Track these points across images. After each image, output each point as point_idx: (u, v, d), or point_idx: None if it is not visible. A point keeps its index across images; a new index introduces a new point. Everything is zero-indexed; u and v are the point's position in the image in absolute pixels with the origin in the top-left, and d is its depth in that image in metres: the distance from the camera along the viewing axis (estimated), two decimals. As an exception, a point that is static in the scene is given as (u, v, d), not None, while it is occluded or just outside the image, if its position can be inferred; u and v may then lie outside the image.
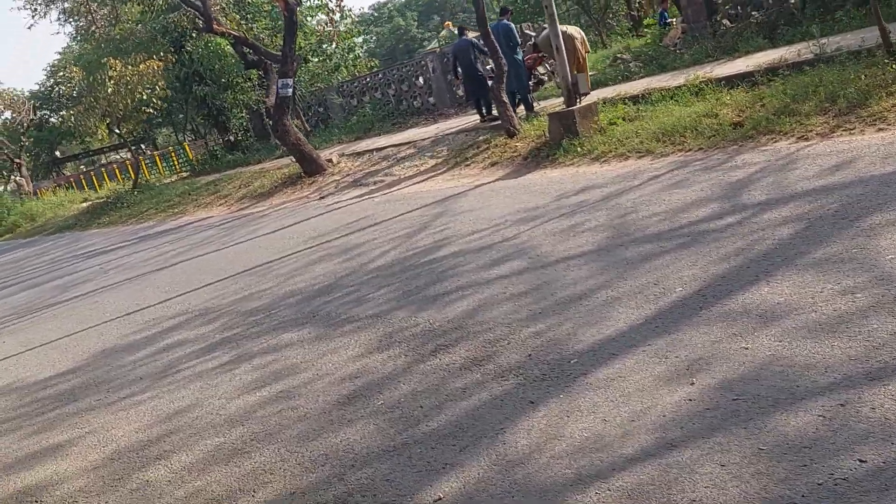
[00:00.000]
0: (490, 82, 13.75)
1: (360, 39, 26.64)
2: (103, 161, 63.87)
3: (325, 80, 23.19)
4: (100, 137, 21.74)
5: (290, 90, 15.32)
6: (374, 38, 64.40)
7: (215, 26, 15.39)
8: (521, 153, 10.47)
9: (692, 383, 3.12)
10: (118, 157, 64.82)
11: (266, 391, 4.58)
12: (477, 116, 15.46)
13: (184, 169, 31.27)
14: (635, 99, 10.72)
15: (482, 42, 12.50)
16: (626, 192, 6.92)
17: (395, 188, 11.79)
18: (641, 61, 13.51)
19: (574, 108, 9.60)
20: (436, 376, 4.03)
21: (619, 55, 15.60)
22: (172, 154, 32.81)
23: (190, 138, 62.67)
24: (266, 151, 22.58)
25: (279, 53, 15.70)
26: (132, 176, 36.39)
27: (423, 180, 11.70)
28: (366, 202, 11.28)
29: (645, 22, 18.64)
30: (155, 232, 15.60)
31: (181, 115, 52.43)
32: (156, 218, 18.39)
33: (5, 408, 5.87)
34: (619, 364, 3.50)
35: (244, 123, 24.96)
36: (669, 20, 15.91)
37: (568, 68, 9.74)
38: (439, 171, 11.88)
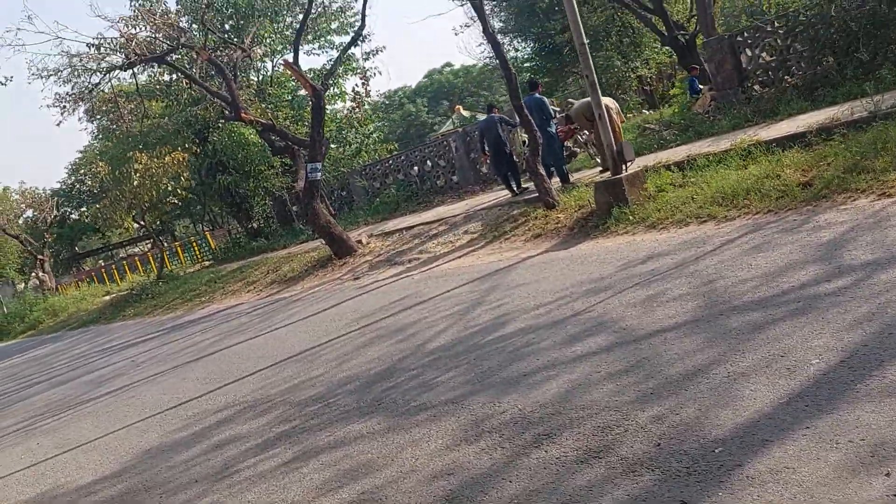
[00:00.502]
0: (516, 157, 13.63)
1: (375, 125, 26.90)
2: (122, 255, 64.61)
3: (347, 164, 23.27)
4: (125, 229, 21.62)
5: (320, 174, 15.22)
6: (387, 124, 65.69)
7: (243, 115, 15.43)
8: (565, 224, 10.13)
9: (888, 474, 2.62)
10: (137, 250, 65.60)
11: (346, 493, 4.08)
12: (505, 192, 15.35)
13: (206, 258, 31.23)
14: (679, 165, 10.43)
15: (515, 117, 12.41)
16: (701, 258, 6.50)
17: (432, 265, 11.43)
18: (676, 129, 13.33)
19: (622, 175, 9.30)
20: (548, 472, 3.53)
21: (646, 125, 15.49)
22: (194, 244, 32.81)
23: (208, 228, 63.34)
24: (290, 236, 22.46)
25: (306, 139, 15.69)
26: (153, 268, 36.60)
27: (461, 256, 11.35)
28: (404, 280, 10.90)
29: (671, 92, 18.64)
30: (184, 322, 15.24)
31: (199, 206, 53.30)
32: (182, 308, 18.07)
33: (46, 519, 5.36)
34: (778, 452, 3.00)
35: (267, 210, 24.97)
36: (700, 88, 15.85)
37: (612, 136, 9.50)
38: (477, 246, 11.54)
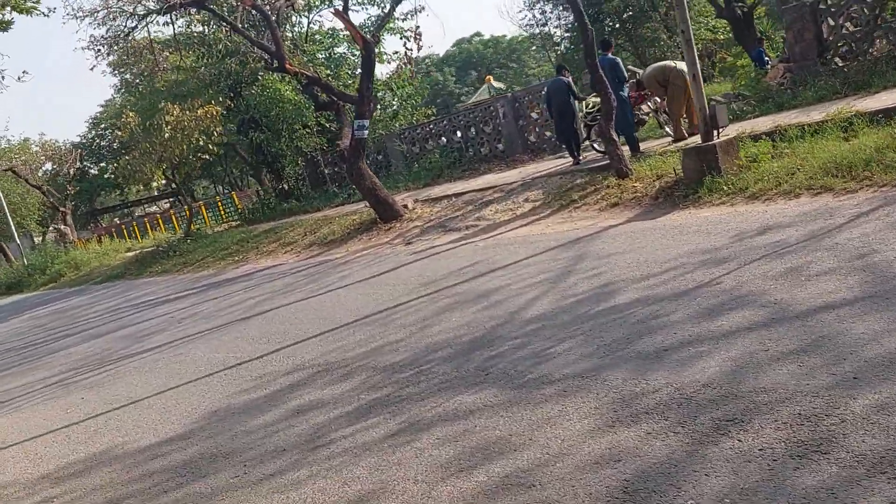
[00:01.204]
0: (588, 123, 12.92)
1: (414, 87, 26.06)
2: (139, 213, 64.31)
3: (385, 127, 22.54)
4: (153, 184, 21.07)
5: (366, 132, 14.54)
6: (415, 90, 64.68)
7: (288, 66, 14.72)
8: (646, 193, 9.44)
9: None
10: (155, 208, 65.45)
11: (483, 475, 3.48)
12: (561, 160, 14.70)
13: (231, 218, 30.70)
14: (766, 136, 9.71)
15: (589, 79, 11.70)
16: (835, 231, 5.82)
17: (494, 232, 10.78)
18: (752, 101, 12.53)
19: (715, 142, 8.59)
20: (757, 467, 2.91)
21: (710, 98, 14.66)
22: (219, 203, 32.29)
23: (227, 190, 62.86)
24: (323, 199, 21.84)
25: (353, 95, 15.00)
26: (175, 226, 36.18)
27: (525, 224, 10.70)
28: (466, 247, 10.27)
29: (739, 63, 17.77)
30: (220, 280, 14.70)
31: (220, 168, 52.83)
32: (215, 266, 17.53)
33: (114, 482, 4.81)
34: None
35: (299, 171, 24.31)
36: (768, 59, 15.02)
37: (705, 99, 8.77)
38: (542, 215, 10.88)
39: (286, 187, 24.58)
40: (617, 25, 31.67)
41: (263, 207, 24.84)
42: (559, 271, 7.12)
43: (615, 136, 10.83)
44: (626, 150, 11.91)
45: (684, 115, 11.80)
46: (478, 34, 72.38)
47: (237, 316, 9.84)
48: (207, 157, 21.85)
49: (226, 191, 57.89)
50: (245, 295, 11.62)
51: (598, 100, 12.98)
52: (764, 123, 10.78)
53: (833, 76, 12.36)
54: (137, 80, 48.38)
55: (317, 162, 24.50)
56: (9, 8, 12.96)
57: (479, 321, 6.15)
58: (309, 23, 25.41)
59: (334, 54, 24.60)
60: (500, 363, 4.98)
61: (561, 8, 32.01)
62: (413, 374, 5.28)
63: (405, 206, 14.90)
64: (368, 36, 14.33)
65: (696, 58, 8.71)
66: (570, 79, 13.46)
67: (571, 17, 32.65)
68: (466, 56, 68.88)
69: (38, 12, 14.05)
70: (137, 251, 29.72)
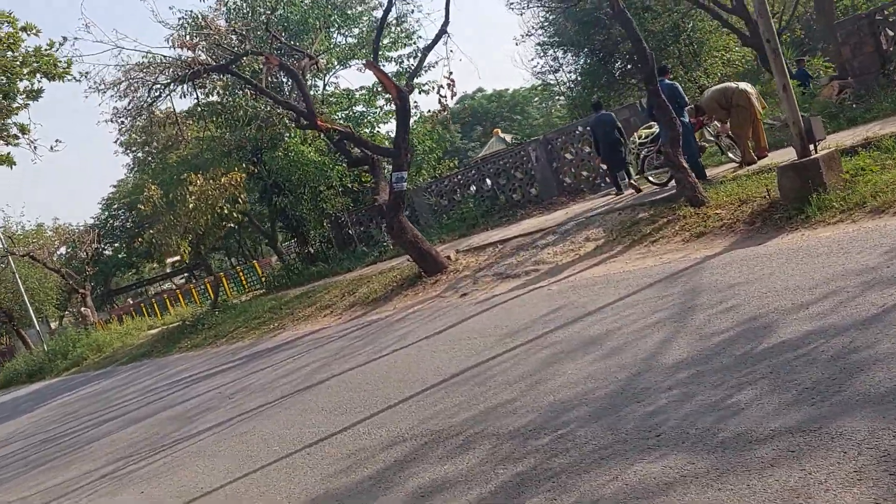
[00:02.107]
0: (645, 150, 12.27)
1: (436, 140, 25.72)
2: (153, 292, 63.78)
3: (410, 181, 21.96)
4: (179, 257, 20.46)
5: (405, 183, 13.88)
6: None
7: (320, 122, 14.18)
8: (737, 219, 8.63)
9: None
10: (168, 286, 65.02)
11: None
12: (612, 196, 14.10)
13: (254, 288, 30.00)
14: (860, 149, 8.99)
15: (647, 107, 11.08)
16: None
17: (561, 275, 9.95)
18: (825, 117, 11.82)
19: (817, 156, 7.82)
20: None
21: (764, 119, 14.01)
22: (240, 273, 31.64)
23: (241, 262, 62.50)
24: (353, 260, 21.10)
25: (388, 147, 14.42)
26: (196, 300, 35.47)
27: (595, 264, 9.87)
28: (536, 293, 9.43)
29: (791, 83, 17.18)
30: (261, 350, 13.85)
31: (233, 239, 52.54)
32: (250, 336, 16.70)
33: None
34: None
35: (326, 233, 23.65)
36: (814, 76, 14.42)
37: (798, 111, 8.04)
38: (612, 252, 10.06)
39: (312, 251, 23.92)
40: (629, 66, 31.39)
41: (289, 273, 24.10)
42: (676, 308, 6.26)
43: (684, 163, 10.09)
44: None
45: (750, 138, 11.09)
46: (480, 90, 72.85)
47: (296, 386, 8.96)
48: (232, 224, 21.28)
49: (240, 262, 57.50)
50: (296, 363, 10.75)
51: (651, 130, 12.42)
52: (845, 138, 10.06)
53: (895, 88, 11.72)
54: (150, 158, 48.69)
55: (342, 223, 23.90)
56: (39, 75, 12.50)
57: (605, 372, 5.28)
58: (325, 84, 25.23)
59: (353, 113, 24.24)
60: (669, 420, 4.10)
61: (571, 54, 31.78)
62: (553, 440, 4.40)
63: (448, 258, 14.13)
64: (403, 86, 13.79)
65: (784, 67, 8.01)
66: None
67: (583, 62, 32.49)
68: (471, 111, 69.14)
69: (70, 77, 13.59)
70: (160, 328, 29.02)
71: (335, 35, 24.90)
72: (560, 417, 4.74)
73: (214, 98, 23.16)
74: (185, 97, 22.98)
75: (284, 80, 20.24)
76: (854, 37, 12.25)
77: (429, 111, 19.85)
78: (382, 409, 6.48)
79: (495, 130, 54.21)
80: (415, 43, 24.71)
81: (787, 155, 10.83)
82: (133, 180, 49.38)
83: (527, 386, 5.63)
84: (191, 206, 20.00)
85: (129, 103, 16.76)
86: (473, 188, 19.92)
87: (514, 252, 12.68)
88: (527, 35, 31.02)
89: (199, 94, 17.51)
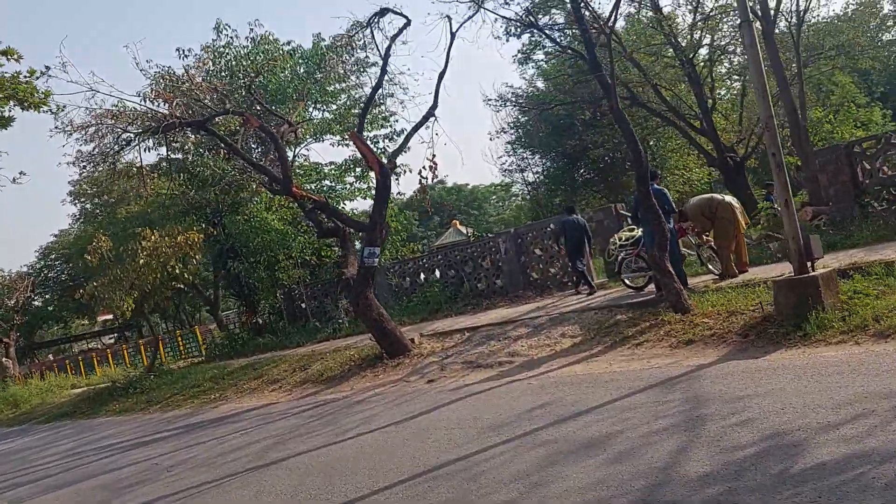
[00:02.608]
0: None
1: (400, 222, 25.54)
2: (77, 349, 60.59)
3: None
4: (122, 312, 19.31)
5: (377, 259, 13.46)
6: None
7: (295, 189, 13.79)
8: (729, 330, 8.41)
9: None
10: (95, 345, 62.07)
11: None
12: (579, 296, 14.10)
13: (192, 354, 28.58)
14: (844, 273, 8.98)
15: (633, 209, 11.10)
16: None
17: (539, 370, 9.51)
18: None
19: (817, 274, 7.72)
20: None
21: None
22: (178, 338, 30.20)
23: (175, 327, 60.17)
24: (306, 334, 20.27)
25: (362, 221, 14.06)
26: (126, 362, 33.62)
27: (575, 361, 9.48)
28: (513, 385, 8.94)
29: (760, 206, 17.59)
30: (202, 420, 12.85)
31: (173, 303, 50.72)
32: (187, 405, 15.61)
33: None
34: None
35: (277, 305, 22.81)
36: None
37: (798, 228, 7.99)
38: (592, 351, 9.70)
39: (260, 321, 22.96)
40: (592, 175, 32.12)
41: (233, 343, 23.01)
42: (682, 416, 5.87)
43: (671, 269, 9.95)
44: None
45: (733, 251, 11.08)
46: (441, 182, 73.83)
47: (246, 464, 8.15)
48: (181, 286, 20.35)
49: (177, 327, 55.32)
50: (244, 438, 9.89)
51: (632, 234, 12.37)
52: (829, 261, 10.10)
53: (870, 219, 11.99)
54: (98, 211, 47.24)
55: (294, 295, 23.15)
56: (12, 103, 11.84)
57: (617, 479, 4.80)
58: (294, 155, 24.94)
59: (322, 187, 23.93)
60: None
61: (539, 156, 32.45)
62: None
63: (412, 341, 13.58)
64: (385, 162, 13.57)
65: (788, 182, 8.01)
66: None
67: (549, 164, 33.16)
68: (431, 202, 69.73)
69: (46, 108, 12.93)
70: (85, 388, 27.26)
71: (311, 109, 24.88)
72: (576, 527, 4.21)
73: (179, 156, 22.64)
74: (150, 151, 22.43)
75: (254, 146, 19.89)
76: (832, 165, 12.60)
77: (398, 193, 19.67)
78: (354, 498, 5.81)
79: (454, 222, 54.53)
80: (391, 126, 24.82)
81: (767, 272, 10.88)
82: (76, 231, 47.72)
83: (526, 488, 5.09)
84: (141, 261, 19.07)
85: (95, 149, 16.13)
86: (438, 273, 19.57)
87: (484, 341, 12.22)
88: (500, 132, 31.58)
89: (167, 149, 16.96)
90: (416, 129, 14.08)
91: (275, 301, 22.69)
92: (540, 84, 30.97)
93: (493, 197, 75.16)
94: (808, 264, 7.95)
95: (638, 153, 10.09)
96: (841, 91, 27.80)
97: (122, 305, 18.59)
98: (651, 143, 28.63)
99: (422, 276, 20.12)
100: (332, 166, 26.08)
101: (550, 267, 17.29)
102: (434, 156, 13.99)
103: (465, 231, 50.08)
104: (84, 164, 15.24)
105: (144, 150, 20.05)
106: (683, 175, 31.76)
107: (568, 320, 11.68)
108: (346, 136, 25.11)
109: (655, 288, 11.11)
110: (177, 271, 19.86)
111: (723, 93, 26.67)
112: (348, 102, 24.74)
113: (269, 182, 15.78)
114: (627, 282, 12.40)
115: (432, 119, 14.05)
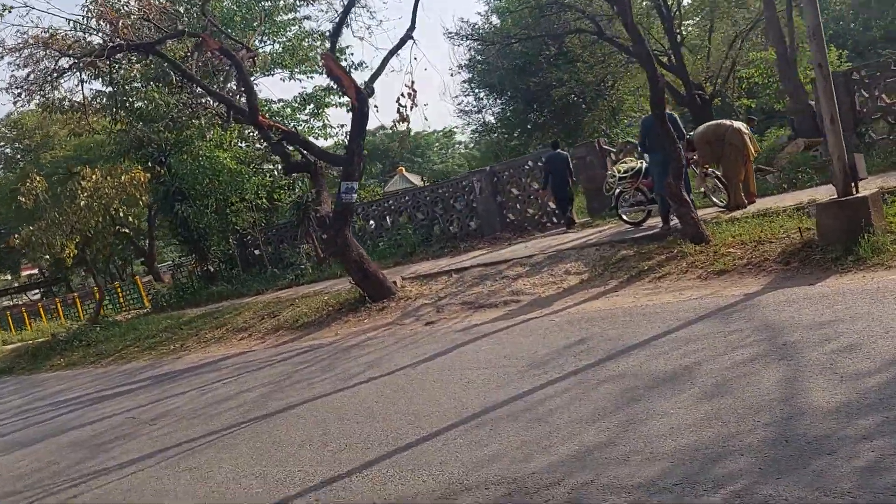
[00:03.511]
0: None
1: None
2: (3, 304, 57.28)
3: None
4: (65, 257, 17.75)
5: (355, 195, 12.51)
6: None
7: (261, 118, 12.61)
8: (765, 258, 7.90)
9: None
10: (24, 300, 59.06)
11: None
12: (566, 234, 13.61)
13: (134, 306, 26.99)
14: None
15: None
16: None
17: (554, 307, 8.87)
18: (812, 169, 11.55)
19: (867, 194, 7.24)
20: None
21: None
22: (118, 289, 28.47)
23: (107, 280, 57.65)
24: (262, 282, 19.19)
25: (335, 154, 13.04)
26: (60, 317, 31.65)
27: (590, 297, 8.87)
28: (533, 323, 8.27)
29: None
30: (170, 371, 11.83)
31: (93, 255, 48.36)
32: (145, 357, 14.47)
33: None
34: None
35: (229, 251, 21.50)
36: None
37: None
38: (606, 288, 9.10)
39: (212, 269, 21.64)
40: (548, 116, 31.45)
41: (182, 292, 21.68)
42: (766, 345, 5.31)
43: (688, 198, 9.39)
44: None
45: (742, 180, 10.61)
46: (382, 128, 72.07)
47: (246, 413, 7.30)
48: (126, 230, 18.89)
49: (106, 280, 52.78)
50: (231, 387, 8.98)
51: (630, 165, 11.79)
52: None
53: (872, 149, 11.70)
54: (19, 156, 44.04)
55: (247, 241, 21.89)
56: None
57: (732, 414, 4.19)
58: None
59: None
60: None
61: (495, 97, 31.55)
62: (732, 496, 3.23)
63: (394, 283, 12.78)
64: (362, 87, 12.50)
65: (833, 96, 7.45)
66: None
67: (505, 105, 32.29)
68: (371, 148, 68.10)
69: None
70: (18, 343, 25.51)
71: (258, 41, 23.22)
72: (716, 468, 3.58)
73: (114, 89, 20.80)
74: (86, 82, 20.49)
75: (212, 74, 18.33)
76: (829, 94, 12.18)
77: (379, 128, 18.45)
78: (402, 446, 5.06)
79: (399, 169, 53.36)
80: (346, 59, 23.38)
81: (777, 202, 10.44)
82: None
83: (617, 426, 4.44)
84: (82, 202, 17.52)
85: (29, 75, 14.47)
86: (405, 216, 18.69)
87: (478, 282, 11.52)
88: (458, 67, 30.40)
89: (110, 79, 15.37)
90: (393, 52, 13.02)
91: (227, 247, 21.37)
92: (496, 20, 29.85)
93: (437, 144, 73.99)
94: (854, 185, 7.45)
95: (654, 73, 9.39)
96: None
97: (62, 252, 17.06)
98: (610, 83, 28.06)
99: (388, 218, 19.21)
100: (282, 103, 24.63)
101: (528, 207, 16.65)
102: (413, 82, 12.97)
103: (412, 179, 48.98)
104: (17, 90, 13.60)
105: (84, 80, 18.15)
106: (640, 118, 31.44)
107: (567, 257, 11.06)
108: (298, 71, 23.72)
109: (662, 221, 10.58)
110: (121, 214, 18.39)
111: (689, 28, 26.20)
112: (300, 34, 23.22)
113: (227, 113, 14.50)
114: (625, 217, 11.85)
115: (410, 42, 13.06)
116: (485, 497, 3.93)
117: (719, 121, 11.41)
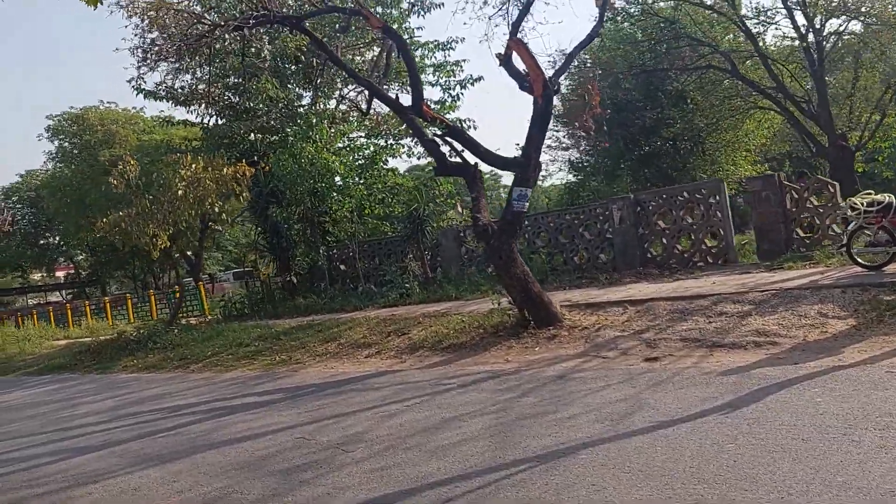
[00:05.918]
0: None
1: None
2: (32, 302, 56.07)
3: (439, 220, 18.80)
4: (158, 250, 16.07)
5: (527, 203, 10.74)
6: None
7: (426, 108, 10.96)
8: None
9: None
10: (57, 298, 58.02)
11: None
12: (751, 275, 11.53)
13: (193, 313, 25.28)
14: None
15: None
16: None
17: (839, 356, 6.93)
18: None
19: None
20: None
21: None
22: (177, 294, 26.81)
23: (130, 288, 56.34)
24: (357, 299, 17.35)
25: (513, 158, 11.36)
26: (107, 317, 30.06)
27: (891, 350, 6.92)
28: (850, 372, 6.33)
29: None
30: (302, 386, 9.92)
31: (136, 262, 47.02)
32: (248, 367, 12.60)
33: None
34: None
35: (320, 262, 19.68)
36: None
37: None
38: (903, 338, 7.15)
39: (295, 281, 19.86)
40: (647, 149, 29.16)
41: (261, 302, 19.92)
42: None
43: None
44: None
45: None
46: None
47: (496, 453, 5.36)
48: (218, 228, 17.26)
49: (142, 289, 51.50)
50: (418, 414, 7.07)
51: (874, 198, 9.93)
52: None
53: None
54: (76, 151, 43.08)
55: (333, 255, 20.14)
56: None
57: None
58: (338, 103, 21.76)
59: (352, 140, 20.95)
60: None
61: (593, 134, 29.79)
62: None
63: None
64: (548, 79, 10.80)
65: None
66: None
67: (600, 147, 30.37)
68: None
69: None
70: (67, 340, 23.90)
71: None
72: None
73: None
74: (189, 72, 19.14)
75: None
76: None
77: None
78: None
79: (456, 199, 51.73)
80: (455, 75, 21.83)
81: None
82: (52, 171, 43.62)
83: None
84: (179, 192, 15.93)
85: (155, 41, 13.01)
86: (526, 244, 16.87)
87: (680, 317, 9.58)
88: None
89: (243, 54, 13.86)
90: (581, 47, 11.39)
91: (316, 258, 19.59)
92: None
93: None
94: None
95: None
96: None
97: (155, 242, 15.40)
98: (722, 127, 26.09)
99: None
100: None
101: (677, 243, 14.78)
102: (597, 80, 11.31)
103: (461, 212, 47.12)
104: (151, 53, 12.07)
105: (190, 68, 16.64)
106: (733, 172, 29.49)
107: (804, 298, 9.13)
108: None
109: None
110: (216, 209, 16.75)
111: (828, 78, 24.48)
112: (414, 44, 21.79)
113: (368, 104, 12.87)
114: (859, 258, 9.94)
115: (599, 40, 11.42)
116: None
117: None
